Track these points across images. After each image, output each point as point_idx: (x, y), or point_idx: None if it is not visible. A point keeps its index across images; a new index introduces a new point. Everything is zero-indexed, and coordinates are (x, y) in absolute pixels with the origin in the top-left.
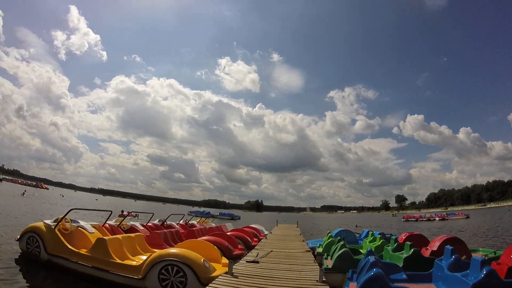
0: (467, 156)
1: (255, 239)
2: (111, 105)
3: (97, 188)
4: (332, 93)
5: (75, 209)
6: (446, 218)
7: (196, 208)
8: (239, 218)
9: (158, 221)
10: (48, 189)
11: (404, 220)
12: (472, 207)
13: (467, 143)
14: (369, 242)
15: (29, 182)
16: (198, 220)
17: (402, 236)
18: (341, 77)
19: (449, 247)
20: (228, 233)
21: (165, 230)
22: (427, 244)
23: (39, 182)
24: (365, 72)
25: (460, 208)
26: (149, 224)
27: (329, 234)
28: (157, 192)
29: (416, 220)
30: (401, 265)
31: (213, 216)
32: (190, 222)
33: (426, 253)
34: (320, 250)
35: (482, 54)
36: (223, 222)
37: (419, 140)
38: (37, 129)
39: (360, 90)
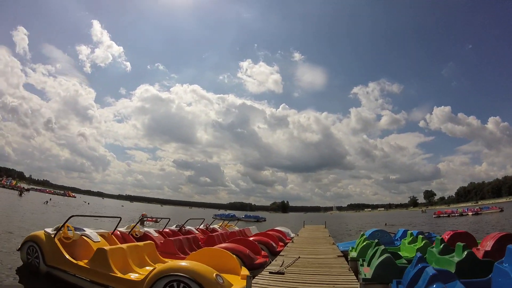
0: (496, 147)
1: (280, 244)
2: (136, 114)
3: (124, 194)
4: (355, 89)
5: (75, 215)
6: (479, 212)
7: (221, 211)
8: (265, 220)
9: (176, 227)
10: (75, 197)
11: (436, 216)
12: (504, 199)
13: (497, 133)
14: (408, 243)
15: (57, 191)
16: (220, 224)
17: (445, 236)
18: (364, 73)
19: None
20: (250, 238)
21: (182, 237)
22: (475, 243)
23: (67, 191)
24: (389, 66)
25: (491, 201)
26: (165, 230)
27: (363, 236)
28: (183, 197)
29: (448, 216)
30: (453, 271)
31: (238, 219)
32: (211, 226)
33: (478, 254)
34: (354, 254)
35: (507, 40)
36: (248, 224)
37: (446, 132)
38: (66, 140)
39: (384, 85)
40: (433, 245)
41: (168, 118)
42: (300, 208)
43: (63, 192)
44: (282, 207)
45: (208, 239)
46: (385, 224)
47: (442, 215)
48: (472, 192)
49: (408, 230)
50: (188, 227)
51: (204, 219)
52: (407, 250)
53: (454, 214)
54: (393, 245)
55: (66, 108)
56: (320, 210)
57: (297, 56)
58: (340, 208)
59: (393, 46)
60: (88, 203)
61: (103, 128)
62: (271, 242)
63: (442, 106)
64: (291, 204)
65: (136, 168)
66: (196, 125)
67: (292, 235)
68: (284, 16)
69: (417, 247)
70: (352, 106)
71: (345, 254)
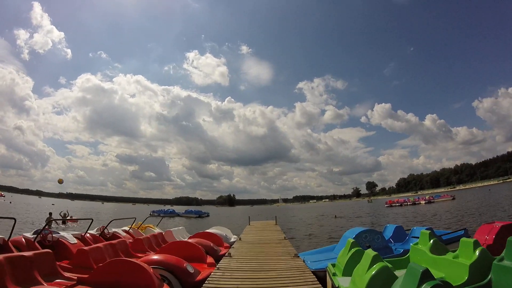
0: (433, 142)
1: (209, 261)
2: (77, 105)
3: (65, 192)
4: (301, 84)
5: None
6: (432, 200)
7: (167, 207)
8: (208, 215)
9: (96, 230)
10: (4, 196)
11: (388, 206)
12: (442, 189)
13: (433, 129)
14: (431, 251)
15: None
16: (131, 226)
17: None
18: (310, 68)
19: None
20: (154, 257)
21: (102, 244)
22: None
23: None
24: (334, 63)
25: (429, 191)
26: (87, 234)
27: (351, 242)
28: (128, 193)
29: (401, 205)
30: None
31: (177, 215)
32: (113, 230)
33: None
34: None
35: (447, 43)
36: (189, 220)
37: (386, 128)
38: (1, 134)
39: (329, 81)
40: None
41: (111, 110)
42: (247, 201)
43: None
44: (229, 201)
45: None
46: (335, 217)
47: (394, 204)
48: (412, 183)
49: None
50: (114, 230)
51: (135, 218)
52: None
53: (406, 203)
54: (391, 253)
55: (1, 99)
56: (266, 202)
57: (244, 49)
58: (286, 200)
59: (338, 43)
60: (10, 202)
61: (42, 121)
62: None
63: (383, 103)
64: (237, 197)
65: (77, 164)
66: (140, 117)
67: (233, 238)
68: (232, 8)
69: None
70: (297, 100)
71: (319, 276)
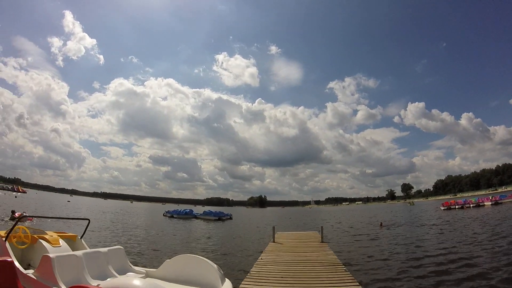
0: (470, 142)
1: None
2: (110, 108)
3: (99, 192)
4: (332, 84)
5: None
6: (499, 201)
7: (199, 207)
8: (231, 218)
9: None
10: (26, 192)
11: (445, 208)
12: (483, 192)
13: (470, 129)
14: None
15: (5, 185)
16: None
17: None
18: (341, 67)
19: None
20: None
21: None
22: None
23: (16, 186)
24: (365, 61)
25: (469, 194)
26: None
27: None
28: (161, 193)
29: (462, 207)
30: None
31: (195, 217)
32: None
33: None
34: None
35: (481, 38)
36: (208, 223)
37: (421, 128)
38: (39, 136)
39: (360, 80)
40: None
41: (143, 113)
42: (278, 202)
43: (11, 187)
44: (260, 202)
45: None
46: (381, 225)
47: (453, 206)
48: (450, 185)
49: None
50: None
51: (89, 220)
52: None
53: (468, 205)
54: None
55: (39, 103)
56: (298, 204)
57: (273, 49)
58: (318, 202)
59: (368, 41)
60: (16, 197)
61: (77, 124)
62: None
63: (416, 102)
64: (269, 198)
65: (112, 165)
66: (171, 119)
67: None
68: (259, 9)
69: None
70: (328, 100)
71: None
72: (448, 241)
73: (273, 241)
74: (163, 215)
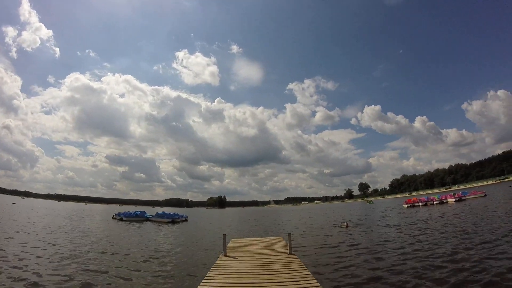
0: (423, 144)
1: None
2: (65, 105)
3: (54, 194)
4: (291, 85)
5: None
6: (462, 198)
7: (157, 208)
8: (186, 220)
9: None
10: None
11: (408, 206)
12: (437, 190)
13: (423, 131)
14: None
15: None
16: None
17: None
18: (300, 69)
19: None
20: None
21: None
22: None
23: None
24: (324, 64)
25: (424, 192)
26: None
27: None
28: (118, 194)
29: (425, 204)
30: None
31: (147, 219)
32: None
33: None
34: None
35: (437, 45)
36: (160, 226)
37: (377, 130)
38: None
39: (319, 82)
40: None
41: (100, 110)
42: (238, 202)
43: None
44: (220, 202)
45: None
46: (346, 226)
47: (417, 203)
48: (405, 184)
49: None
50: None
51: None
52: None
53: (431, 202)
54: None
55: None
56: (258, 204)
57: (234, 48)
58: (277, 202)
59: (329, 44)
60: None
61: (30, 120)
62: None
63: (373, 105)
64: (228, 198)
65: (66, 165)
66: (129, 118)
67: None
68: (223, 7)
69: None
70: (288, 101)
71: None
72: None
73: (225, 254)
74: (112, 217)
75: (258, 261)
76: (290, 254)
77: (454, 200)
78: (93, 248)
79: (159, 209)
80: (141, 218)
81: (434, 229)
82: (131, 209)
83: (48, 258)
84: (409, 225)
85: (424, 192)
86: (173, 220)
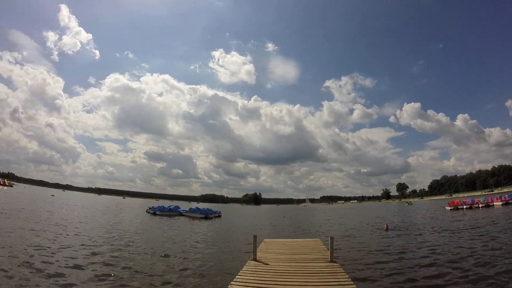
0: (465, 144)
1: None
2: (106, 104)
3: (94, 187)
4: (328, 83)
5: None
6: (510, 201)
7: (193, 203)
8: (219, 216)
9: None
10: (12, 186)
11: (452, 208)
12: (479, 193)
13: (465, 130)
14: None
15: None
16: None
17: None
18: (337, 66)
19: None
20: None
21: None
22: None
23: (2, 179)
24: (362, 60)
25: (465, 194)
26: None
27: None
28: (156, 189)
29: (470, 207)
30: None
31: (181, 213)
32: None
33: None
34: None
35: (478, 41)
36: (193, 221)
37: (416, 128)
38: (34, 131)
39: (357, 79)
40: None
41: (139, 109)
42: (273, 200)
43: None
44: (255, 199)
45: None
46: (386, 229)
47: (461, 206)
48: (445, 185)
49: None
50: None
51: None
52: None
53: (477, 205)
54: None
55: (34, 98)
56: (293, 202)
57: (270, 46)
58: (312, 200)
59: (366, 41)
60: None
61: (72, 119)
62: None
63: (412, 103)
64: (264, 196)
65: (107, 160)
66: (167, 116)
67: None
68: (256, 5)
69: None
70: (325, 99)
71: None
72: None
73: (254, 259)
74: (146, 211)
75: (292, 269)
76: (331, 261)
77: (500, 203)
78: (117, 242)
79: (195, 204)
80: (174, 212)
81: (489, 236)
82: (168, 203)
83: (70, 247)
84: (460, 231)
85: (465, 195)
86: (206, 216)
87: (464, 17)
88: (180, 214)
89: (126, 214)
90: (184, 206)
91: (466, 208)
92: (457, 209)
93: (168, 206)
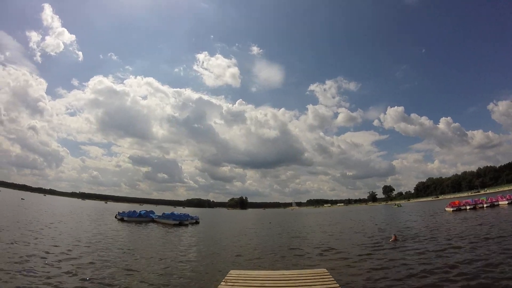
0: (448, 146)
1: None
2: (89, 107)
3: (78, 192)
4: (313, 87)
5: None
6: None
7: (179, 208)
8: (197, 222)
9: None
10: None
11: (454, 209)
12: (465, 194)
13: (448, 133)
14: None
15: None
16: None
17: None
18: (322, 70)
19: None
20: None
21: None
22: None
23: None
24: (346, 65)
25: (451, 196)
26: None
27: None
28: (141, 194)
29: (474, 208)
30: None
31: (153, 220)
32: None
33: None
34: None
35: (460, 45)
36: (164, 228)
37: (400, 131)
38: (16, 134)
39: (341, 83)
40: None
41: (123, 112)
42: (260, 204)
43: None
44: (241, 204)
45: None
46: (395, 239)
47: (463, 207)
48: (431, 187)
49: None
50: None
51: None
52: None
53: (480, 205)
54: None
55: (16, 100)
56: (279, 206)
57: (255, 49)
58: (299, 204)
59: (350, 45)
60: None
61: (55, 122)
62: None
63: (396, 106)
64: (250, 200)
65: (91, 164)
66: (151, 119)
67: None
68: (241, 8)
69: None
70: (309, 103)
71: None
72: None
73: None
74: (115, 217)
75: None
76: None
77: (506, 202)
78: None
79: (180, 209)
80: (145, 218)
81: None
82: (153, 208)
83: None
84: (482, 240)
85: (452, 196)
86: (181, 222)
87: (446, 22)
88: (152, 220)
89: (90, 221)
90: (169, 211)
91: (469, 209)
92: (460, 210)
93: (140, 211)
